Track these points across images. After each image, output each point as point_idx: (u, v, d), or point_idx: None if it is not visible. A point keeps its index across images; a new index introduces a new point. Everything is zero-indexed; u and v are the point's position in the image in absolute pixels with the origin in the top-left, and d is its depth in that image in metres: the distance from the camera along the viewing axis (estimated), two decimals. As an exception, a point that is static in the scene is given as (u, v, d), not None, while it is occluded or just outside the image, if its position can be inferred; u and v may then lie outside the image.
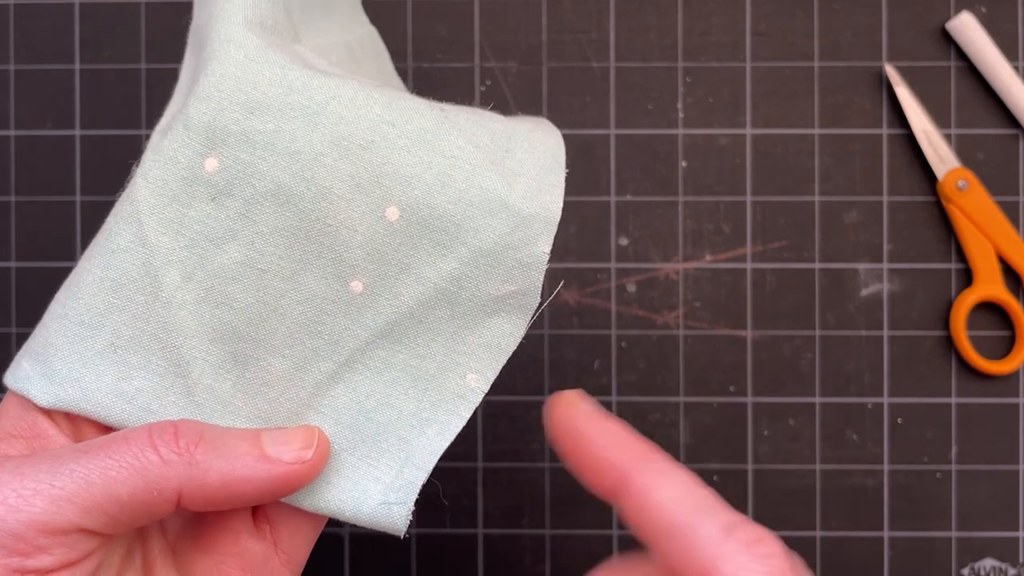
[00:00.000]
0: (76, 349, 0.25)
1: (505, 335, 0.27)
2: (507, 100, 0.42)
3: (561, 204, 0.26)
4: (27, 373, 0.25)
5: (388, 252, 0.26)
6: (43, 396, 0.25)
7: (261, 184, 0.25)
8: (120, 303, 0.25)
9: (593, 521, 0.41)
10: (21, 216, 0.42)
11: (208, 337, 0.25)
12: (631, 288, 0.42)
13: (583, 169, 0.42)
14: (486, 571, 0.41)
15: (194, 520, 0.27)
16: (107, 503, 0.22)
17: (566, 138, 0.29)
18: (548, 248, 0.26)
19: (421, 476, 0.26)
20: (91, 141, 0.42)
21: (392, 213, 0.25)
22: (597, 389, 0.41)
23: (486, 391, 0.27)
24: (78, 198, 0.42)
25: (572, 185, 0.41)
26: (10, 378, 0.25)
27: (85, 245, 0.41)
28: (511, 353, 0.27)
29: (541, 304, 0.27)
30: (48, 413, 0.25)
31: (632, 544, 0.42)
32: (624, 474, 0.23)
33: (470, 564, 0.41)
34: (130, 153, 0.41)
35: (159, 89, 0.42)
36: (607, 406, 0.41)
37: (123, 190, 0.26)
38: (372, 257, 0.26)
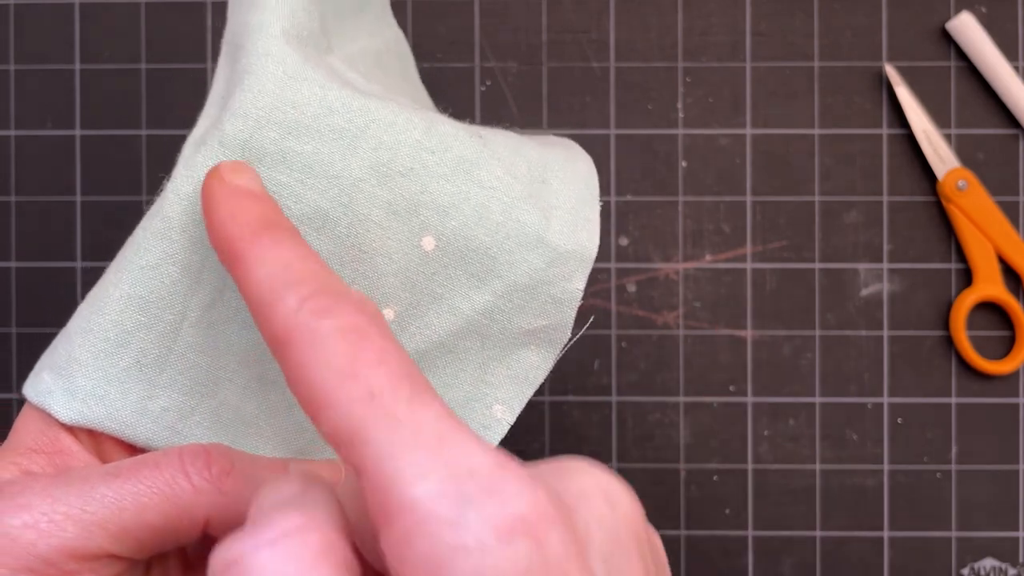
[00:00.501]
0: (101, 365, 0.24)
1: (533, 368, 0.27)
2: (507, 100, 0.42)
3: (598, 241, 0.26)
4: (49, 387, 0.24)
5: (422, 281, 0.25)
6: (66, 412, 0.24)
7: (297, 207, 0.24)
8: (148, 321, 0.24)
9: (593, 521, 0.41)
10: (21, 216, 0.42)
11: (236, 358, 0.25)
12: (631, 288, 0.42)
13: (583, 169, 0.42)
14: (486, 571, 0.41)
15: (212, 539, 0.27)
16: (137, 530, 0.22)
17: (566, 138, 0.29)
18: (583, 285, 0.26)
19: None
20: (91, 141, 0.42)
21: (428, 243, 0.25)
22: (597, 389, 0.41)
23: (512, 422, 0.27)
24: (78, 198, 0.42)
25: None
26: (31, 391, 0.25)
27: (85, 245, 0.41)
28: (538, 386, 0.27)
29: (571, 339, 0.27)
30: (70, 429, 0.25)
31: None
32: (234, 245, 0.20)
33: (470, 564, 0.41)
34: (130, 153, 0.42)
35: (159, 89, 0.42)
36: (607, 406, 0.41)
37: (153, 203, 0.25)
38: (405, 286, 0.25)
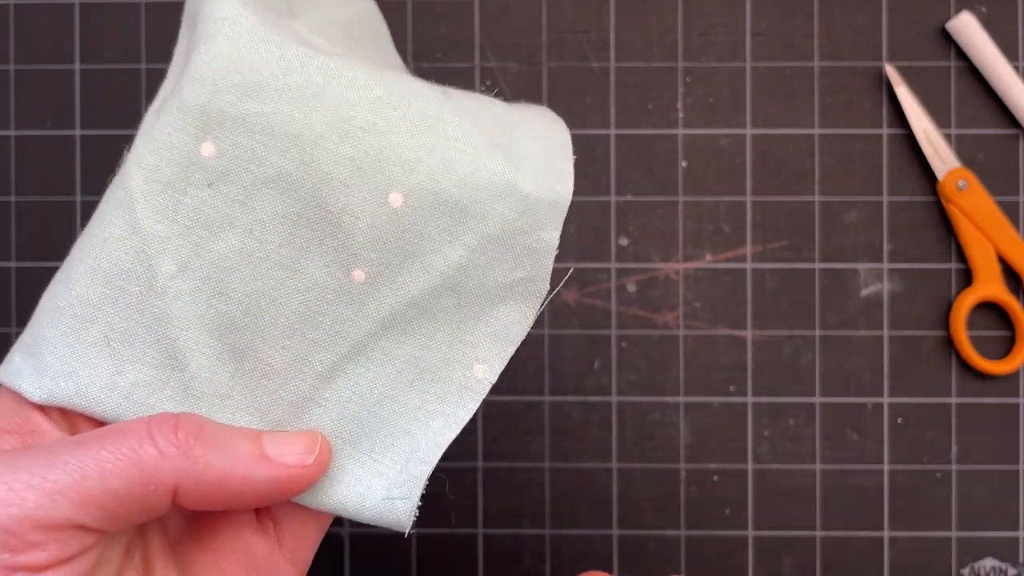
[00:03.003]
0: (68, 342, 0.24)
1: (513, 324, 0.26)
2: (507, 100, 0.42)
3: (571, 188, 0.26)
4: (19, 368, 0.24)
5: (391, 239, 0.25)
6: (35, 391, 0.24)
7: (260, 169, 0.24)
8: (113, 294, 0.24)
9: (593, 521, 0.41)
10: (21, 216, 0.42)
11: (205, 328, 0.25)
12: (631, 288, 0.42)
13: (583, 169, 0.42)
14: (486, 571, 0.41)
15: (195, 517, 0.26)
16: (102, 497, 0.22)
17: (540, 105, 0.28)
18: (558, 233, 0.25)
19: (426, 470, 0.26)
20: (91, 141, 0.42)
21: (395, 199, 0.25)
22: (597, 389, 0.41)
23: (494, 382, 0.26)
24: (78, 198, 0.42)
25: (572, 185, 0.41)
26: (2, 373, 0.25)
27: (85, 245, 0.41)
28: (519, 342, 0.26)
29: (550, 292, 0.26)
30: (42, 408, 0.24)
31: (633, 544, 0.42)
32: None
33: (470, 564, 0.41)
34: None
35: (159, 89, 0.42)
36: (607, 406, 0.41)
37: (114, 175, 0.25)
38: (375, 245, 0.25)
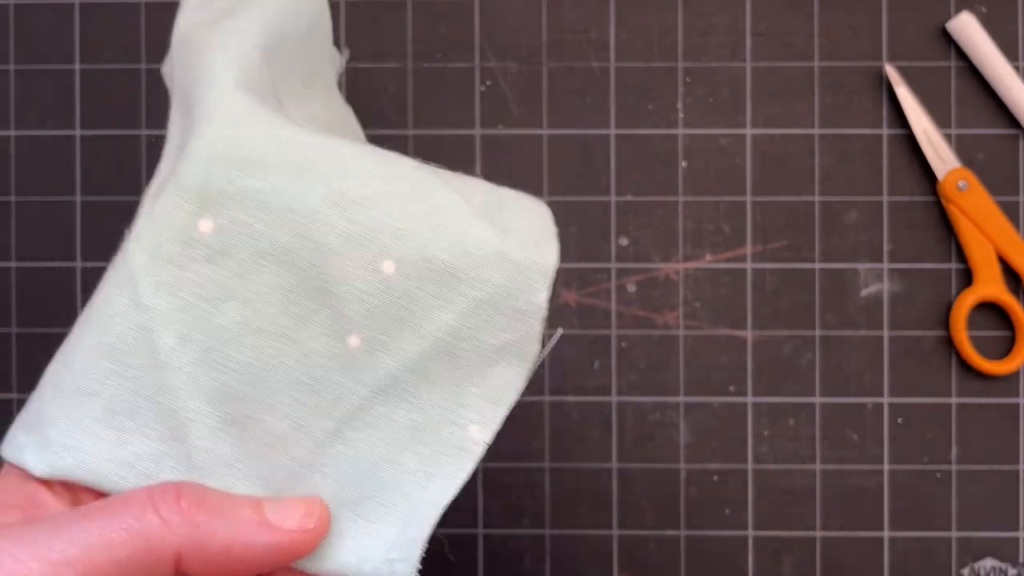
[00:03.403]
0: (72, 416, 0.25)
1: (506, 385, 0.27)
2: (507, 100, 0.42)
3: (557, 256, 0.26)
4: (21, 443, 0.25)
5: (385, 306, 0.26)
6: (39, 466, 0.24)
7: (258, 243, 0.25)
8: (116, 368, 0.25)
9: (593, 521, 0.41)
10: (21, 216, 0.42)
11: (205, 399, 0.25)
12: (631, 288, 0.42)
13: (583, 169, 0.42)
14: (486, 571, 0.41)
15: None
16: (108, 566, 0.22)
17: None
18: (546, 296, 0.26)
19: (425, 531, 0.26)
20: (91, 141, 0.42)
21: (388, 267, 0.25)
22: (597, 389, 0.41)
23: (489, 443, 0.27)
24: (78, 198, 0.42)
25: (572, 185, 0.42)
26: (6, 449, 0.25)
27: (85, 245, 0.41)
28: (513, 404, 0.27)
29: (541, 353, 0.27)
30: (46, 483, 0.25)
31: (633, 544, 0.42)
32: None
33: (470, 564, 0.41)
34: (130, 153, 0.42)
35: (159, 89, 0.42)
36: (607, 406, 0.41)
37: (116, 256, 0.25)
38: (369, 312, 0.26)
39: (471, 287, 0.26)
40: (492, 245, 0.26)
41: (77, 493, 0.25)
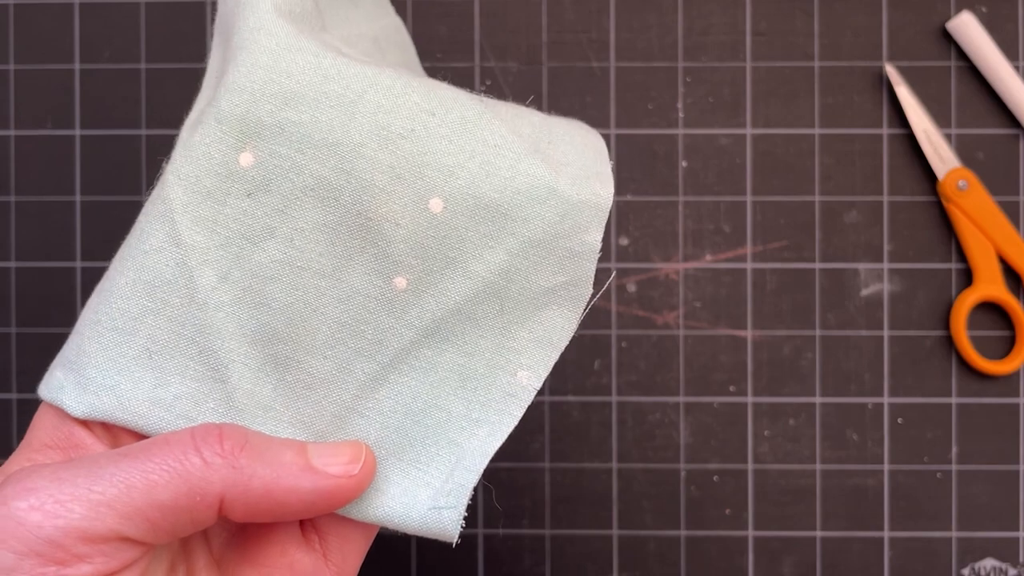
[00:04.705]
0: (110, 356, 0.24)
1: (557, 329, 0.26)
2: (507, 100, 0.42)
3: (612, 191, 0.26)
4: (60, 383, 0.24)
5: (433, 246, 0.25)
6: (78, 406, 0.24)
7: (300, 178, 0.24)
8: (155, 306, 0.24)
9: (593, 521, 0.41)
10: (21, 216, 0.42)
11: (247, 339, 0.25)
12: (631, 288, 0.42)
13: (583, 169, 0.42)
14: (486, 571, 0.41)
15: (240, 533, 0.26)
16: (148, 508, 0.21)
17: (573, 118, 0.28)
18: (600, 236, 0.25)
19: (472, 478, 0.25)
20: (91, 141, 0.42)
21: (436, 204, 0.24)
22: (597, 389, 0.41)
23: (538, 388, 0.26)
24: (78, 198, 0.42)
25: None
26: (44, 389, 0.24)
27: (85, 245, 0.41)
28: (564, 348, 0.26)
29: (594, 295, 0.26)
30: (85, 423, 0.24)
31: (633, 544, 0.42)
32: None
33: (470, 564, 0.41)
34: (130, 153, 0.42)
35: (159, 89, 0.42)
36: (607, 406, 0.41)
37: (153, 188, 0.25)
38: (416, 252, 0.25)
39: (522, 226, 0.25)
40: (544, 182, 0.25)
41: (116, 433, 0.25)
